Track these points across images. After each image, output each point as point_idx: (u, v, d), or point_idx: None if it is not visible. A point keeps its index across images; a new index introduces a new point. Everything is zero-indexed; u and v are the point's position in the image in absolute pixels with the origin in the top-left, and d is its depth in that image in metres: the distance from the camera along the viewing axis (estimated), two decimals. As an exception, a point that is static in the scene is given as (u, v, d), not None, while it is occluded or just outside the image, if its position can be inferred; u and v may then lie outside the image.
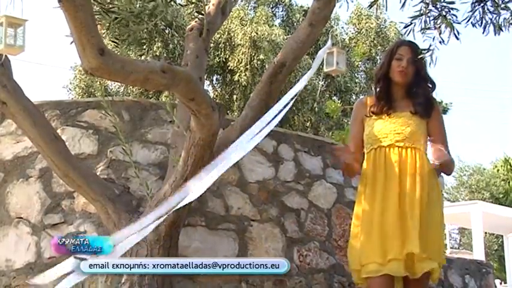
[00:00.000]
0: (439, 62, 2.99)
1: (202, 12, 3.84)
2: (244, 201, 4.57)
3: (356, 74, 17.01)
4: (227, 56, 15.11)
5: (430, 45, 2.94)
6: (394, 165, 2.94)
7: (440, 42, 2.98)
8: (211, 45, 13.90)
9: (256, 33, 14.77)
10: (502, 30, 3.14)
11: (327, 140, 5.62)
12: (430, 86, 3.13)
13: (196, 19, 4.04)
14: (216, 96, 15.80)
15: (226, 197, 4.46)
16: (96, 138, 4.33)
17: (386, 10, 3.27)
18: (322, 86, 14.71)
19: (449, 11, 3.03)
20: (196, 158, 3.28)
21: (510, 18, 3.15)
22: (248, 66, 14.69)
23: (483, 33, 3.14)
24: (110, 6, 3.35)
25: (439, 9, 3.03)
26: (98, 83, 15.20)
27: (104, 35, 3.41)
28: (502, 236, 18.88)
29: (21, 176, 4.32)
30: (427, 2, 3.04)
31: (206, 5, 3.88)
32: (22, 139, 4.28)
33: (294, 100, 3.21)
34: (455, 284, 6.02)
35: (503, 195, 26.62)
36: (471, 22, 3.08)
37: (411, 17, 3.07)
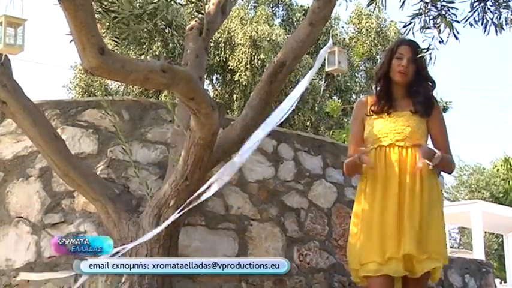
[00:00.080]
0: (438, 62, 2.99)
1: (202, 11, 3.84)
2: (244, 200, 4.57)
3: (356, 74, 17.02)
4: (227, 56, 15.11)
5: (430, 45, 2.94)
6: (394, 164, 2.94)
7: (440, 42, 2.97)
8: (211, 44, 13.90)
9: (257, 33, 14.77)
10: (503, 29, 3.13)
11: (327, 140, 5.61)
12: (431, 84, 3.13)
13: (196, 18, 4.04)
14: (216, 95, 15.80)
15: (226, 197, 4.46)
16: (96, 138, 4.32)
17: (385, 9, 3.27)
18: (322, 85, 14.71)
19: (449, 10, 3.03)
20: (196, 157, 3.28)
21: (511, 16, 3.14)
22: (248, 66, 14.69)
23: (484, 32, 3.13)
24: (110, 5, 3.34)
25: (439, 8, 3.03)
26: (98, 82, 15.21)
27: (104, 35, 3.41)
28: (501, 235, 18.90)
29: (21, 175, 4.32)
30: (427, 1, 3.04)
31: (206, 4, 3.88)
32: (22, 138, 4.28)
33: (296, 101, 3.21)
34: (455, 283, 6.02)
35: (503, 195, 26.63)
36: (469, 23, 3.07)
37: (411, 16, 3.06)
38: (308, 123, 15.82)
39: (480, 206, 15.71)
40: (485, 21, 3.12)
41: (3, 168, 4.38)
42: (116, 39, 3.71)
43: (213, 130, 3.17)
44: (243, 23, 15.34)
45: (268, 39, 14.67)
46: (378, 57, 16.48)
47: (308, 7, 3.53)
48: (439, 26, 3.00)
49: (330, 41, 3.75)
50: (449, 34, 3.01)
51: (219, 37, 14.86)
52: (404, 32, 3.15)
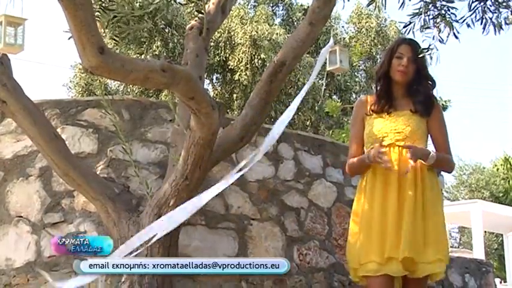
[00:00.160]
0: (435, 61, 2.99)
1: (202, 11, 3.84)
2: (244, 200, 4.57)
3: (356, 73, 17.02)
4: (227, 55, 15.11)
5: (430, 45, 2.94)
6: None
7: (440, 41, 2.97)
8: (212, 44, 13.91)
9: (257, 32, 14.77)
10: (502, 29, 3.13)
11: (327, 139, 5.61)
12: (431, 83, 3.13)
13: (196, 18, 4.04)
14: (216, 95, 15.80)
15: (226, 196, 4.46)
16: (96, 137, 4.32)
17: (385, 9, 3.27)
18: (323, 84, 14.71)
19: (449, 10, 3.03)
20: (196, 157, 3.28)
21: (511, 16, 3.14)
22: (248, 65, 14.69)
23: (483, 32, 3.13)
24: (109, 4, 3.34)
25: (439, 8, 3.03)
26: (98, 81, 15.21)
27: (104, 34, 3.40)
28: (501, 234, 18.90)
29: (21, 174, 4.32)
30: (427, 1, 3.04)
31: (206, 3, 3.88)
32: (22, 138, 4.27)
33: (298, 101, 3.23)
34: (455, 283, 6.02)
35: (503, 194, 26.64)
36: (466, 23, 3.07)
37: (410, 15, 3.07)
38: (308, 122, 15.82)
39: (480, 205, 15.72)
40: (484, 20, 3.12)
41: (3, 167, 4.38)
42: (115, 38, 3.71)
43: (213, 129, 3.17)
44: (243, 22, 15.34)
45: (268, 38, 14.68)
46: (378, 56, 16.48)
47: (308, 6, 3.52)
48: (438, 26, 3.00)
49: (331, 40, 3.76)
50: (449, 34, 3.02)
51: (219, 36, 14.86)
52: (405, 31, 3.16)
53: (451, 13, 3.03)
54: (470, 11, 3.06)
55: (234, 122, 3.58)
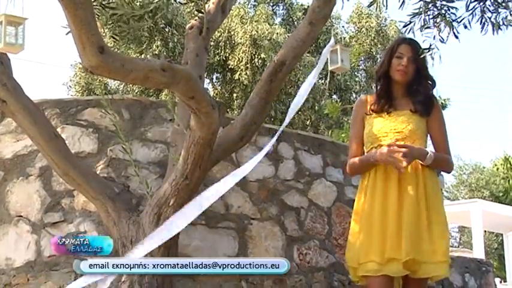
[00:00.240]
0: (438, 61, 2.99)
1: (202, 10, 3.84)
2: (244, 199, 4.57)
3: (356, 73, 17.01)
4: (227, 55, 15.11)
5: (431, 45, 2.94)
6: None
7: (441, 41, 2.97)
8: (212, 43, 13.90)
9: (257, 32, 14.77)
10: (501, 29, 3.13)
11: (327, 139, 5.62)
12: (430, 83, 3.13)
13: (196, 17, 4.04)
14: (216, 94, 15.80)
15: (226, 196, 4.45)
16: (96, 137, 4.33)
17: (386, 9, 3.27)
18: (323, 84, 14.71)
19: (449, 10, 3.03)
20: (196, 156, 3.28)
21: (509, 16, 3.13)
22: (248, 65, 14.69)
23: (481, 31, 3.13)
24: (108, 1, 3.33)
25: (439, 7, 3.03)
26: (98, 80, 15.22)
27: (104, 34, 3.40)
28: (501, 234, 18.90)
29: (21, 174, 4.32)
30: (427, 0, 3.04)
31: (206, 3, 3.88)
32: (22, 137, 4.28)
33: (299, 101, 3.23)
34: (455, 282, 6.02)
35: (503, 194, 26.65)
36: (463, 23, 3.06)
37: (410, 15, 3.06)
38: (308, 122, 15.82)
39: (480, 205, 15.72)
40: (483, 20, 3.11)
41: (3, 167, 4.38)
42: (115, 36, 3.71)
43: (213, 129, 3.17)
44: (243, 22, 15.34)
45: (268, 38, 14.67)
46: (378, 56, 16.48)
47: (308, 6, 3.53)
48: (439, 25, 3.00)
49: (332, 40, 3.75)
50: (449, 33, 3.01)
51: (219, 36, 14.86)
52: (405, 31, 3.15)
53: (451, 13, 3.03)
54: (468, 11, 3.06)
55: (234, 121, 3.58)
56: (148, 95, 14.21)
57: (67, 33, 2.60)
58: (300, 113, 15.20)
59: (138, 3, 3.45)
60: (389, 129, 3.00)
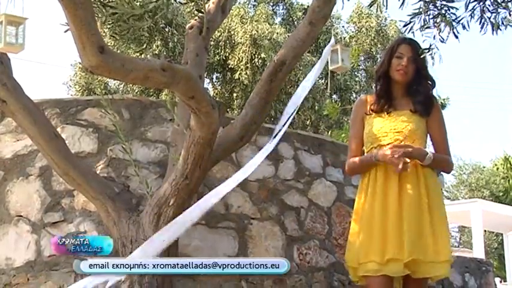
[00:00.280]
0: (438, 60, 2.99)
1: (202, 10, 3.83)
2: (244, 199, 4.57)
3: (356, 73, 17.00)
4: (227, 54, 15.10)
5: (431, 45, 2.94)
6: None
7: (441, 41, 2.97)
8: (212, 43, 13.90)
9: (257, 32, 14.76)
10: (500, 29, 3.13)
11: (326, 139, 5.62)
12: (430, 83, 3.13)
13: (196, 17, 4.04)
14: (216, 94, 15.80)
15: (226, 196, 4.45)
16: (96, 137, 4.33)
17: (386, 9, 3.27)
18: (323, 84, 14.71)
19: (449, 9, 3.03)
20: (196, 156, 3.28)
21: (509, 16, 3.13)
22: (248, 65, 14.68)
23: (480, 31, 3.13)
24: (108, 0, 3.33)
25: (439, 7, 3.03)
26: (98, 80, 15.22)
27: (104, 33, 3.40)
28: (501, 234, 18.91)
29: (21, 174, 4.32)
30: (427, 0, 3.04)
31: (206, 3, 3.88)
32: (22, 137, 4.28)
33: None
34: (455, 282, 6.02)
35: (503, 194, 26.66)
36: (461, 24, 3.06)
37: (410, 15, 3.06)
38: (308, 122, 15.82)
39: (480, 204, 15.73)
40: (483, 20, 3.11)
41: (3, 167, 4.38)
42: (114, 36, 3.70)
43: (213, 129, 3.17)
44: (243, 21, 15.33)
45: (268, 38, 14.66)
46: (378, 56, 16.47)
47: (308, 6, 3.53)
48: (439, 25, 3.00)
49: (332, 39, 3.75)
50: (449, 33, 3.01)
51: (219, 36, 14.85)
52: (405, 31, 3.15)
53: (451, 13, 3.03)
54: (467, 11, 3.06)
55: (234, 121, 3.58)
56: (148, 94, 14.21)
57: (65, 31, 2.60)
58: (300, 113, 15.20)
59: (137, 3, 3.44)
60: (389, 129, 3.00)
